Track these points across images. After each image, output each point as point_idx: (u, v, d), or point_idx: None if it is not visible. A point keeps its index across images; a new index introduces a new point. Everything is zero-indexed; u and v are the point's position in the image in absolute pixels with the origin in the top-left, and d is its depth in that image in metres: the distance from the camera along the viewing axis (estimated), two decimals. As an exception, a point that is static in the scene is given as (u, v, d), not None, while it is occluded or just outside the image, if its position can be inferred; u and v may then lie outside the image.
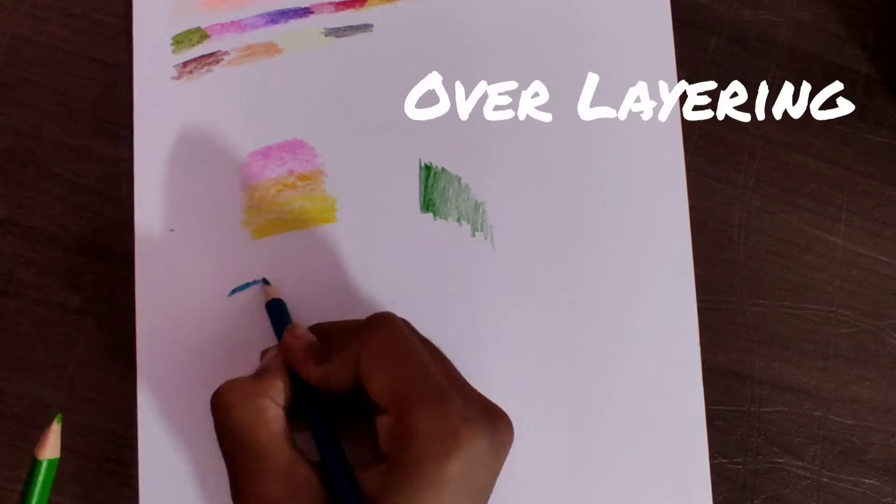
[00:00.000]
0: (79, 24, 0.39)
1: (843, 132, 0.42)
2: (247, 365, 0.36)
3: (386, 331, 0.31)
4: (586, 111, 0.40)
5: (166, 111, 0.38)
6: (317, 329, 0.35)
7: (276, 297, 0.36)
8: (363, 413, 0.32)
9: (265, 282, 0.37)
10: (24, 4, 0.39)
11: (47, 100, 0.38)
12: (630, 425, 0.38)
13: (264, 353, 0.35)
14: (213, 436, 0.35)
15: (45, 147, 0.38)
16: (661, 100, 0.41)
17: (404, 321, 0.34)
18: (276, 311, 0.35)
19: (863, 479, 0.40)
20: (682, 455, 0.38)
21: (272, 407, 0.31)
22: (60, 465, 0.32)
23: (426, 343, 0.33)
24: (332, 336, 0.33)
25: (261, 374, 0.32)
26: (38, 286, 0.36)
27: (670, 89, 0.41)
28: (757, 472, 0.39)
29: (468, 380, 0.33)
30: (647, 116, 0.40)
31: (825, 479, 0.40)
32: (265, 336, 0.37)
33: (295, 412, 0.32)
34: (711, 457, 0.39)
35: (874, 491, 0.40)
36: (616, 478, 0.38)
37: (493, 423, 0.30)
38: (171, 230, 0.37)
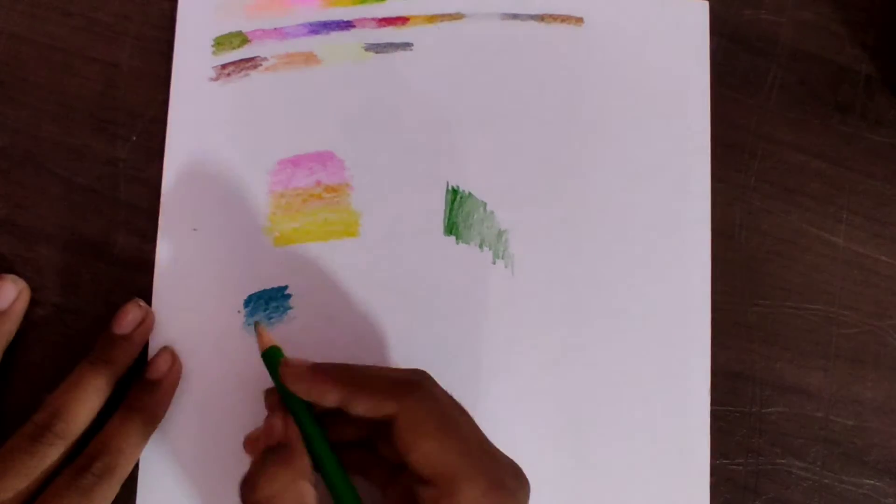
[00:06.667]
0: (77, 23, 0.39)
1: (844, 132, 0.42)
2: (253, 370, 0.36)
3: (426, 396, 0.30)
4: (616, 143, 0.40)
5: (201, 111, 0.38)
6: (342, 369, 0.33)
7: (273, 344, 0.34)
8: (379, 453, 0.32)
9: (257, 323, 0.35)
10: (22, 3, 0.38)
11: (45, 99, 0.38)
12: (632, 427, 0.38)
13: (268, 393, 0.34)
14: (213, 436, 0.35)
15: (43, 147, 0.38)
16: (690, 128, 0.41)
17: (430, 376, 0.33)
18: (273, 361, 0.34)
19: (864, 480, 0.40)
20: (682, 456, 0.38)
21: (310, 489, 0.30)
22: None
23: (451, 401, 0.32)
24: (359, 379, 0.32)
25: (285, 453, 0.31)
26: (36, 286, 0.36)
27: (701, 114, 0.41)
28: (758, 473, 0.39)
29: (479, 403, 0.33)
30: (676, 146, 0.40)
31: (826, 480, 0.39)
32: (274, 341, 0.36)
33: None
34: (713, 458, 0.39)
35: (876, 492, 0.40)
36: (617, 478, 0.38)
37: (522, 485, 0.30)
38: (195, 229, 0.37)
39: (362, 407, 0.30)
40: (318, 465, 0.32)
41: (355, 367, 0.33)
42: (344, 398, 0.31)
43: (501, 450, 0.31)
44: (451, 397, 0.32)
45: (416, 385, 0.31)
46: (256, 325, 0.35)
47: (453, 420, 0.30)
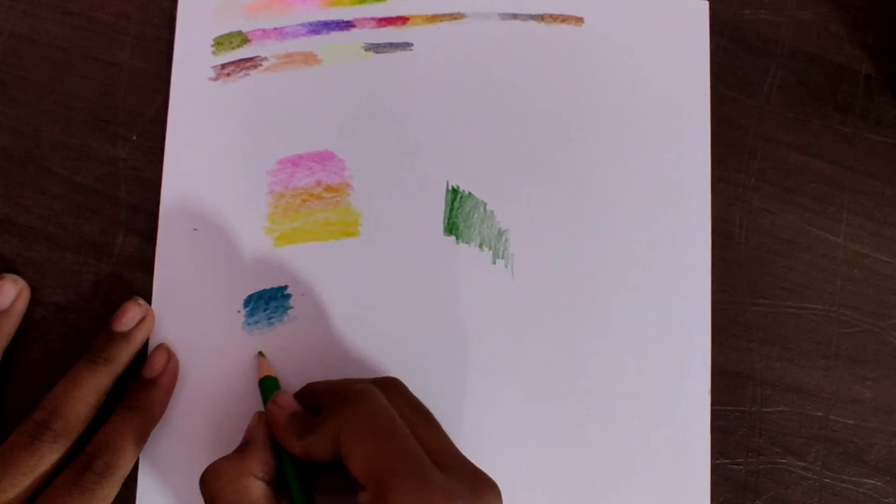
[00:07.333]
0: (77, 22, 0.39)
1: (844, 132, 0.42)
2: (252, 370, 0.36)
3: (365, 406, 0.31)
4: (616, 143, 0.40)
5: (201, 111, 0.38)
6: (308, 390, 0.35)
7: (270, 374, 0.35)
8: (350, 482, 0.32)
9: (260, 354, 0.36)
10: (22, 3, 0.38)
11: (45, 99, 0.38)
12: (632, 427, 0.38)
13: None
14: (213, 435, 0.35)
15: (44, 146, 0.38)
16: (690, 128, 0.41)
17: (393, 384, 0.34)
18: (268, 388, 0.35)
19: (864, 480, 0.40)
20: (682, 456, 0.38)
21: (257, 485, 0.31)
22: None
23: (413, 408, 0.33)
24: (321, 400, 0.33)
25: (244, 450, 0.33)
26: (36, 285, 0.36)
27: (701, 114, 0.41)
28: (758, 473, 0.39)
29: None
30: (676, 146, 0.41)
31: (827, 480, 0.39)
32: (273, 342, 0.36)
33: (282, 480, 0.33)
34: (713, 457, 0.39)
35: (876, 491, 0.40)
36: (617, 478, 0.38)
37: (478, 493, 0.30)
38: (195, 229, 0.37)
39: (318, 457, 0.31)
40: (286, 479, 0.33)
41: (308, 420, 0.33)
42: (304, 452, 0.31)
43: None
44: (405, 400, 0.33)
45: (356, 396, 0.31)
46: (260, 354, 0.36)
47: (389, 427, 0.30)
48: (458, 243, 0.39)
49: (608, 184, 0.40)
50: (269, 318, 0.37)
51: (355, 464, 0.30)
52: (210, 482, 0.31)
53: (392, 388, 0.34)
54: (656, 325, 0.39)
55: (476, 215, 0.39)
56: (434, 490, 0.28)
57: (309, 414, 0.33)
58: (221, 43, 0.39)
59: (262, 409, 0.35)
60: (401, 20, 0.40)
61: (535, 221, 0.39)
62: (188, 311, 0.36)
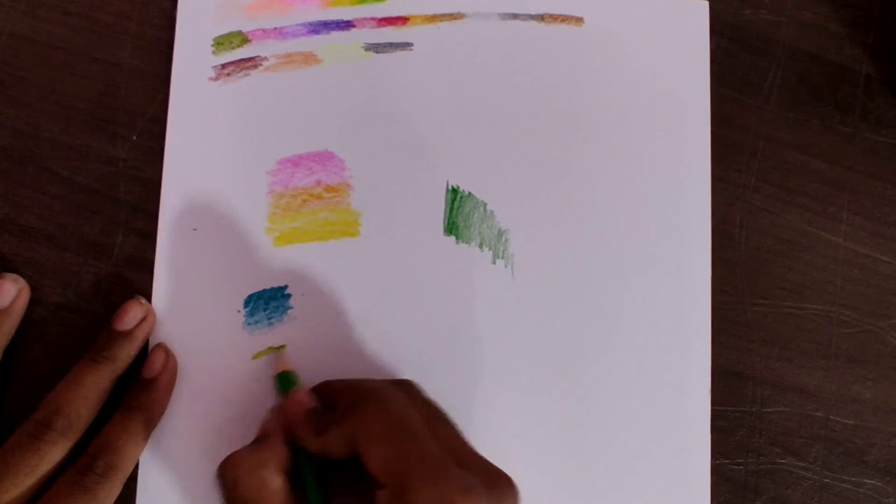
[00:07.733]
0: (77, 22, 0.39)
1: (844, 132, 0.42)
2: (252, 370, 0.36)
3: (381, 405, 0.31)
4: (616, 143, 0.40)
5: (201, 111, 0.38)
6: (324, 387, 0.35)
7: (288, 368, 0.35)
8: (365, 478, 0.32)
9: (282, 347, 0.36)
10: (22, 3, 0.38)
11: (45, 99, 0.38)
12: (632, 427, 0.38)
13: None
14: (212, 435, 0.35)
15: (44, 146, 0.38)
16: (690, 128, 0.41)
17: (407, 385, 0.34)
18: (286, 382, 0.35)
19: (865, 480, 0.40)
20: (682, 456, 0.38)
21: (274, 477, 0.31)
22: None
23: (428, 408, 0.33)
24: (337, 397, 0.33)
25: (261, 443, 0.33)
26: (36, 285, 0.36)
27: (701, 114, 0.41)
28: (759, 473, 0.39)
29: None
30: (675, 146, 0.41)
31: (827, 480, 0.39)
32: (273, 341, 0.36)
33: (297, 474, 0.33)
34: (713, 457, 0.39)
35: (876, 492, 0.40)
36: (617, 478, 0.38)
37: (496, 489, 0.30)
38: (195, 229, 0.37)
39: (333, 454, 0.31)
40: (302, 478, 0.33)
41: (324, 417, 0.33)
42: (320, 449, 0.32)
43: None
44: (418, 399, 0.33)
45: (372, 395, 0.32)
46: (281, 348, 0.36)
47: (405, 425, 0.30)
48: (458, 243, 0.39)
49: (608, 184, 0.40)
50: (269, 318, 0.37)
51: (373, 462, 0.30)
52: (229, 471, 0.31)
53: (406, 388, 0.34)
54: (656, 325, 0.39)
55: (476, 215, 0.39)
56: (452, 486, 0.28)
57: (326, 411, 0.33)
58: (221, 43, 0.39)
59: (268, 404, 0.35)
60: (401, 20, 0.40)
61: (535, 221, 0.39)
62: (188, 311, 0.36)
